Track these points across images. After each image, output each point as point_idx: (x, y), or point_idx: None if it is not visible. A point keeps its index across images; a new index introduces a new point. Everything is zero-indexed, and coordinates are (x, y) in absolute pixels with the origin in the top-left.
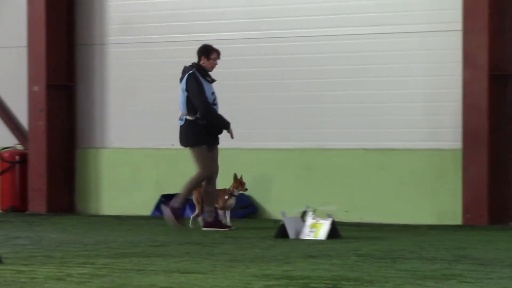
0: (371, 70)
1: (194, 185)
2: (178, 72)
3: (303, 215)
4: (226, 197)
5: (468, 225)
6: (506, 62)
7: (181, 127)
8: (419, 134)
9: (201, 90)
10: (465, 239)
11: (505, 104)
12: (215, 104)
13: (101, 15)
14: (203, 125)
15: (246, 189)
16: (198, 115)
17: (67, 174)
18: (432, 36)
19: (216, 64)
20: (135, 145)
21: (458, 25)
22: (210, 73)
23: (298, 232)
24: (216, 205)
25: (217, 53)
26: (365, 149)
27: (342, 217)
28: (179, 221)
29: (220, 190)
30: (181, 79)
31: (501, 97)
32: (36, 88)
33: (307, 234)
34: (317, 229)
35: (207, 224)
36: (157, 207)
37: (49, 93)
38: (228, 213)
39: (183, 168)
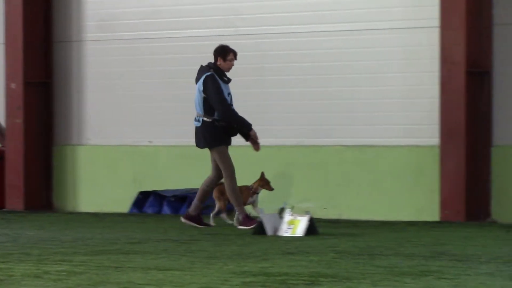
0: (349, 67)
1: (232, 186)
2: (156, 69)
3: (281, 211)
4: (251, 198)
5: (445, 222)
6: (483, 59)
7: (198, 128)
8: (396, 130)
9: (219, 93)
10: (443, 236)
11: (482, 100)
12: (231, 105)
13: (78, 12)
14: (220, 127)
15: (272, 189)
16: (215, 117)
17: (45, 171)
18: (410, 33)
19: (232, 65)
20: (112, 142)
21: (436, 21)
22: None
23: (276, 229)
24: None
25: (234, 53)
26: (343, 146)
27: (320, 214)
28: (255, 221)
29: (241, 186)
30: (197, 79)
31: (478, 93)
32: (13, 86)
33: (285, 230)
34: (295, 226)
35: (188, 217)
36: (135, 204)
37: (26, 90)
38: (257, 209)
39: (160, 165)
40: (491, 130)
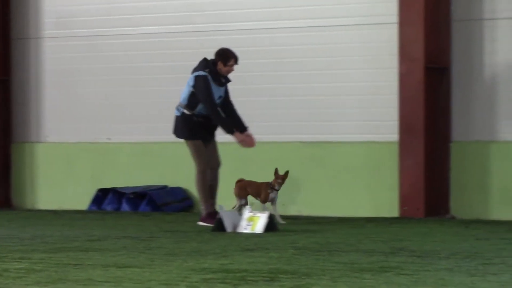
0: (308, 63)
1: (202, 182)
2: (114, 66)
3: (240, 208)
4: (272, 194)
5: (405, 218)
6: (442, 55)
7: (177, 118)
8: (355, 126)
9: (208, 95)
10: (402, 232)
11: (440, 96)
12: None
13: (36, 9)
14: (198, 122)
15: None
16: (195, 112)
17: (3, 169)
18: (368, 29)
19: (232, 70)
20: (71, 140)
21: (394, 17)
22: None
23: (235, 226)
24: (258, 199)
25: (235, 59)
26: (302, 142)
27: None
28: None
29: (262, 183)
30: (193, 70)
31: (437, 89)
32: None
33: (244, 227)
34: (254, 223)
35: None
36: (94, 201)
37: None
38: (275, 208)
39: (119, 162)
40: (450, 126)
